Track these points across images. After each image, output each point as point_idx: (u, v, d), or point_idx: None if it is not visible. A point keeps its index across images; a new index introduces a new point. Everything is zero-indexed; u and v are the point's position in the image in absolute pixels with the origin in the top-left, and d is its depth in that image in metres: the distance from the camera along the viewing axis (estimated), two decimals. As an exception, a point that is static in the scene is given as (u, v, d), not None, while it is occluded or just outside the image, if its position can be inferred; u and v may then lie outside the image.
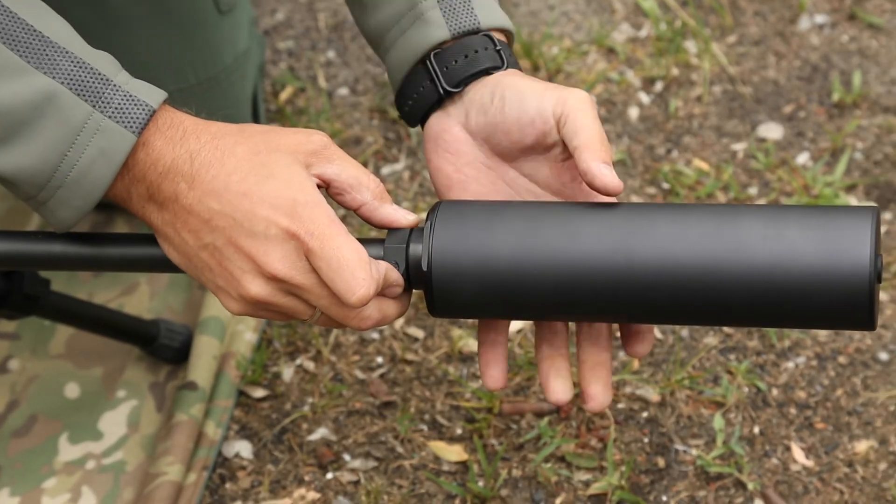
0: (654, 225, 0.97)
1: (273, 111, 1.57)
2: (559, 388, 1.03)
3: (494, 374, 1.04)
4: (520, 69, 1.06)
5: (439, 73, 1.05)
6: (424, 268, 0.99)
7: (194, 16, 1.33)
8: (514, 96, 1.02)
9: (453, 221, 1.00)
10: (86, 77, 0.97)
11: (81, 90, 0.97)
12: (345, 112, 1.57)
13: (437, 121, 1.06)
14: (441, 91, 1.05)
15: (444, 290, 1.00)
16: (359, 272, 0.96)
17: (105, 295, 1.40)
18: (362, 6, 1.09)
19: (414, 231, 1.01)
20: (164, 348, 1.34)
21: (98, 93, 0.97)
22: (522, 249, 0.98)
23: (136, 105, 0.97)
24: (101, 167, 0.97)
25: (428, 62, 1.05)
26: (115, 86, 0.97)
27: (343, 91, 1.59)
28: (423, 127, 1.07)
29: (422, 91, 1.05)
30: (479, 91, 1.04)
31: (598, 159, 0.98)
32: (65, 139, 0.96)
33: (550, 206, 1.01)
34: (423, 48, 1.05)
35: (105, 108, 0.97)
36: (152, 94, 0.98)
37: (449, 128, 1.05)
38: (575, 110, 1.00)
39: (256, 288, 0.98)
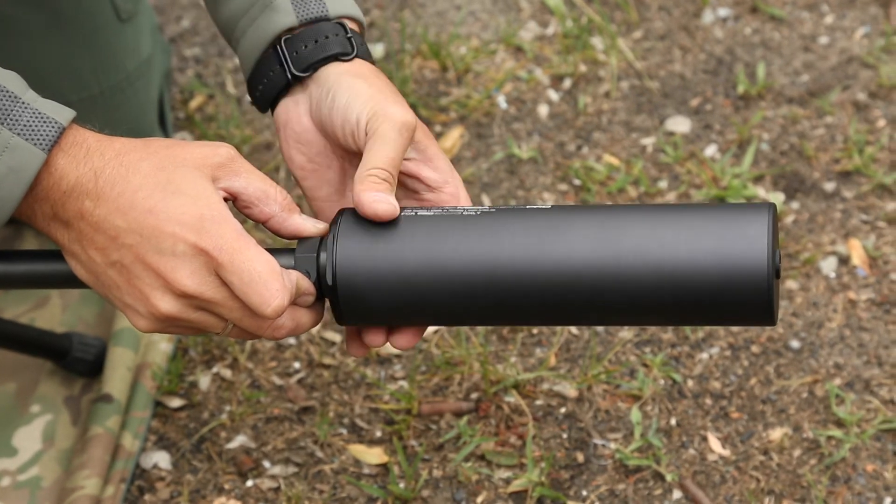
0: (558, 228, 0.98)
1: (182, 118, 1.56)
2: (376, 339, 1.04)
3: (356, 344, 1.06)
4: (371, 60, 1.07)
5: (288, 58, 1.06)
6: (329, 278, 0.99)
7: (93, 24, 1.32)
8: (342, 98, 1.03)
9: (357, 229, 1.00)
10: None
11: None
12: (255, 118, 1.56)
13: (285, 108, 1.07)
14: (289, 76, 1.06)
15: (350, 298, 1.00)
16: (272, 283, 0.96)
17: (15, 309, 1.39)
18: None
19: (324, 239, 1.01)
20: (77, 361, 1.33)
21: (6, 110, 0.96)
22: (427, 254, 0.99)
23: (45, 122, 0.96)
24: (10, 185, 0.96)
25: (278, 47, 1.06)
26: (23, 103, 0.97)
27: (252, 96, 1.59)
28: (272, 113, 1.08)
29: (271, 76, 1.06)
30: (320, 86, 1.05)
31: (365, 190, 0.99)
32: None
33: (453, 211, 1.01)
34: (271, 35, 1.06)
35: (14, 125, 0.96)
36: (61, 112, 0.97)
37: (298, 117, 1.06)
38: (379, 135, 1.01)
39: (166, 304, 0.97)
